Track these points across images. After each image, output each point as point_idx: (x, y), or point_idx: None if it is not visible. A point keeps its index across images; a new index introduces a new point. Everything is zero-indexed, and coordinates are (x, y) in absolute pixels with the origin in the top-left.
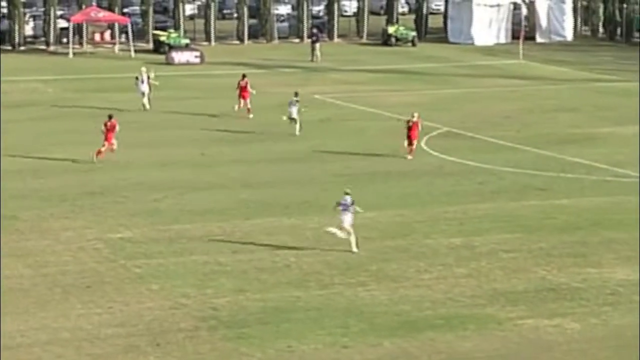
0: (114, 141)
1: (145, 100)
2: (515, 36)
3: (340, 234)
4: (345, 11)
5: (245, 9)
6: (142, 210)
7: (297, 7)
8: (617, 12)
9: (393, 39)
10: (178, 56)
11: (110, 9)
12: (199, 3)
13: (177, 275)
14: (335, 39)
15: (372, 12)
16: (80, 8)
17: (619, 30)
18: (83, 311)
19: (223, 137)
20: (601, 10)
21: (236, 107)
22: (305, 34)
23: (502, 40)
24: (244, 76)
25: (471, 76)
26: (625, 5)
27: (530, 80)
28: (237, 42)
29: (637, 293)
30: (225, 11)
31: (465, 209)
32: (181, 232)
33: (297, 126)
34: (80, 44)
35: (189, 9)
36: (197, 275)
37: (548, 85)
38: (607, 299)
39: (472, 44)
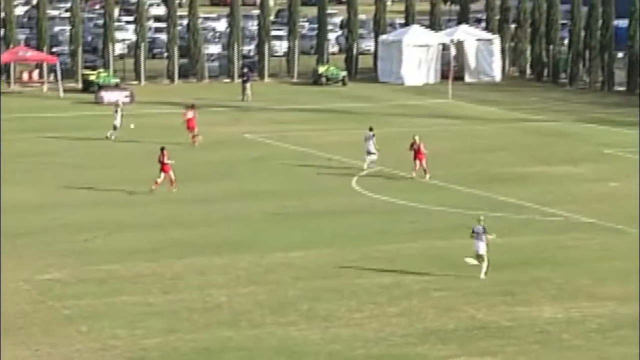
0: (170, 172)
1: (112, 131)
2: (444, 76)
3: (474, 262)
4: (276, 51)
5: (176, 49)
6: (72, 250)
7: (227, 46)
8: (544, 53)
9: (323, 79)
10: (108, 95)
11: (38, 48)
12: (128, 42)
13: (107, 316)
14: (266, 79)
15: (303, 52)
16: (7, 47)
17: (546, 71)
18: (13, 353)
19: (153, 176)
20: (528, 52)
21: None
22: (236, 74)
23: (432, 80)
24: (192, 106)
25: (401, 115)
26: (551, 47)
27: (460, 119)
28: (168, 81)
29: (565, 331)
30: (155, 50)
31: (396, 247)
32: (111, 272)
33: (370, 159)
34: (8, 83)
35: (119, 48)
36: (126, 316)
37: (477, 125)
38: (536, 337)
39: (402, 83)
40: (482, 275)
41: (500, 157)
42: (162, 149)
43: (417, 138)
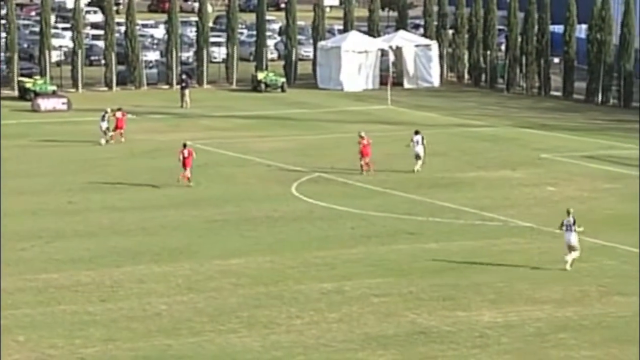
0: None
1: (103, 138)
2: (383, 82)
3: (571, 256)
4: (215, 57)
5: (113, 55)
6: (9, 259)
7: (165, 53)
8: (481, 59)
9: (263, 85)
10: (44, 103)
11: None
12: (65, 49)
13: (45, 326)
14: (205, 85)
15: (242, 59)
16: None
17: (483, 77)
18: None
19: (91, 184)
20: (466, 57)
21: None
22: (174, 80)
23: (371, 86)
24: (119, 109)
25: (340, 122)
26: (489, 52)
27: (399, 125)
28: (105, 88)
29: (504, 335)
30: (92, 58)
31: (336, 253)
32: (49, 281)
33: (420, 162)
34: None
35: (55, 56)
36: (65, 325)
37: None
38: (475, 341)
39: (341, 89)
40: (569, 267)
41: (439, 163)
42: (185, 145)
43: (363, 134)
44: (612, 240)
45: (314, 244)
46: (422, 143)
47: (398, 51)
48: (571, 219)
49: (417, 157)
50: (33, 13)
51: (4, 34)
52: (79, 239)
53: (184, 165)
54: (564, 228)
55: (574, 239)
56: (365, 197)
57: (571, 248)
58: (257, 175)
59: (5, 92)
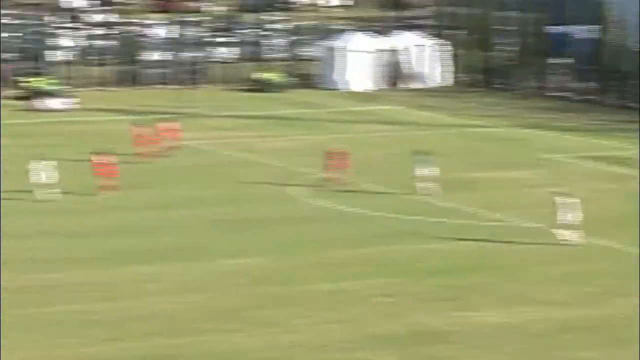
0: None
1: None
2: (387, 82)
3: None
4: (219, 57)
5: (119, 55)
6: (10, 259)
7: (170, 53)
8: (484, 59)
9: (265, 85)
10: (49, 102)
11: None
12: (71, 49)
13: (46, 325)
14: (208, 85)
15: (245, 58)
16: None
17: (487, 77)
18: None
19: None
20: (470, 58)
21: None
22: (177, 80)
23: (375, 86)
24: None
25: (346, 122)
26: (492, 53)
27: (402, 125)
28: (111, 88)
29: (508, 336)
30: (98, 57)
31: (336, 254)
32: (50, 280)
33: None
34: None
35: (61, 55)
36: (66, 324)
37: (419, 130)
38: (478, 342)
39: (345, 90)
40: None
41: (442, 163)
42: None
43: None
44: (613, 240)
45: (313, 244)
46: None
47: (403, 51)
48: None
49: None
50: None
51: (10, 34)
52: (80, 238)
53: None
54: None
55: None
56: (365, 197)
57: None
58: (262, 175)
59: (10, 91)
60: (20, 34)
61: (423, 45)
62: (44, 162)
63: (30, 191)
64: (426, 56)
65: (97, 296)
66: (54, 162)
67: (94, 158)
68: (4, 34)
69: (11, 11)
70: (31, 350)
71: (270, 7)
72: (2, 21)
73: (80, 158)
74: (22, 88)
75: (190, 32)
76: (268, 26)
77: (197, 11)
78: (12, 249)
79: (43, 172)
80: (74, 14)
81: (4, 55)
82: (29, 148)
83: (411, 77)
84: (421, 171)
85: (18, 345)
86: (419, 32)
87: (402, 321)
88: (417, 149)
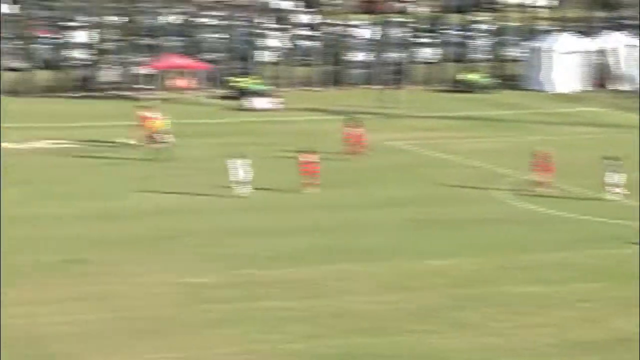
0: None
1: None
2: (594, 84)
3: None
4: (423, 57)
5: (324, 55)
6: (221, 255)
7: (374, 53)
8: None
9: (470, 86)
10: (257, 102)
11: (190, 55)
12: (277, 49)
13: (247, 321)
14: (412, 86)
15: (449, 59)
16: (160, 55)
17: None
18: (156, 355)
19: (292, 179)
20: None
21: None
22: (381, 81)
23: (582, 87)
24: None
25: (548, 124)
26: None
27: (609, 127)
28: (316, 88)
29: None
30: (303, 57)
31: (541, 257)
32: (252, 276)
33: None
34: (164, 89)
35: (268, 56)
36: (266, 320)
37: (626, 133)
38: None
39: (551, 91)
40: None
41: None
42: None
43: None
44: None
45: (518, 247)
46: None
47: (611, 52)
48: None
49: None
50: (247, 14)
51: (219, 35)
52: (283, 237)
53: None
54: None
55: None
56: (570, 200)
57: None
58: (463, 177)
59: (219, 91)
60: (229, 35)
61: (634, 46)
62: (240, 160)
63: (229, 187)
64: (635, 57)
65: (299, 293)
66: (249, 160)
67: (301, 157)
68: (213, 35)
69: (221, 13)
70: (233, 346)
71: (475, 8)
72: (212, 23)
73: (284, 156)
74: (230, 88)
75: (394, 32)
76: (472, 27)
77: (401, 12)
78: (215, 245)
79: (241, 169)
80: (280, 15)
81: (213, 56)
82: (234, 146)
83: (619, 78)
84: (611, 177)
85: (221, 339)
86: (627, 32)
87: (606, 327)
88: (607, 155)
